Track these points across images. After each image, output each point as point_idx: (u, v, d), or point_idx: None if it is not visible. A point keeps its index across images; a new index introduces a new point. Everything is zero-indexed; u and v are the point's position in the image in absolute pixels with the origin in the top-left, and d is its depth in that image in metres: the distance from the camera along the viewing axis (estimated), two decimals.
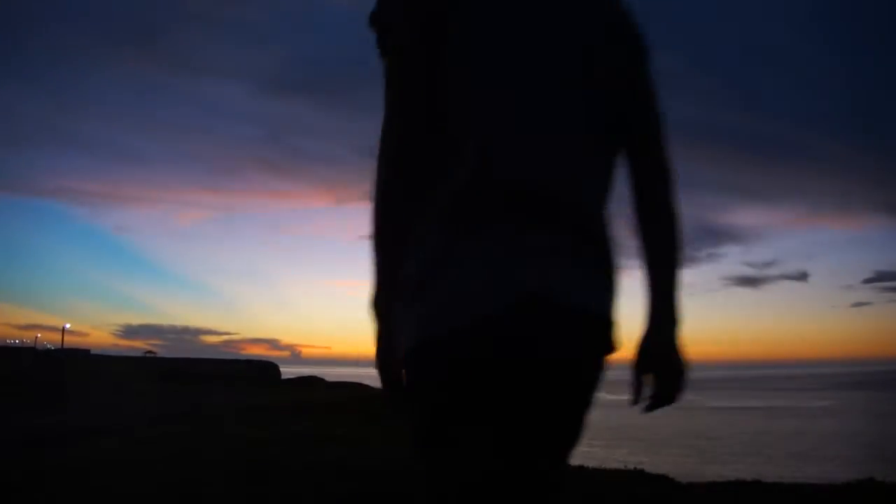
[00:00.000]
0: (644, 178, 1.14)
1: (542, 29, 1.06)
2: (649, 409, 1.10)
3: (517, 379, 0.99)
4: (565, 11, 1.09)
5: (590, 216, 1.06)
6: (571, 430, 1.07)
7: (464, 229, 0.99)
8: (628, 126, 1.13)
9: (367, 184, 1.07)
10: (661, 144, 1.15)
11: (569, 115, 1.06)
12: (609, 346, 1.07)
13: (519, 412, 1.02)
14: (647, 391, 1.09)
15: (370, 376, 1.72)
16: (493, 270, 0.97)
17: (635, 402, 1.09)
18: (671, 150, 1.14)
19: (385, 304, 1.04)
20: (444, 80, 1.03)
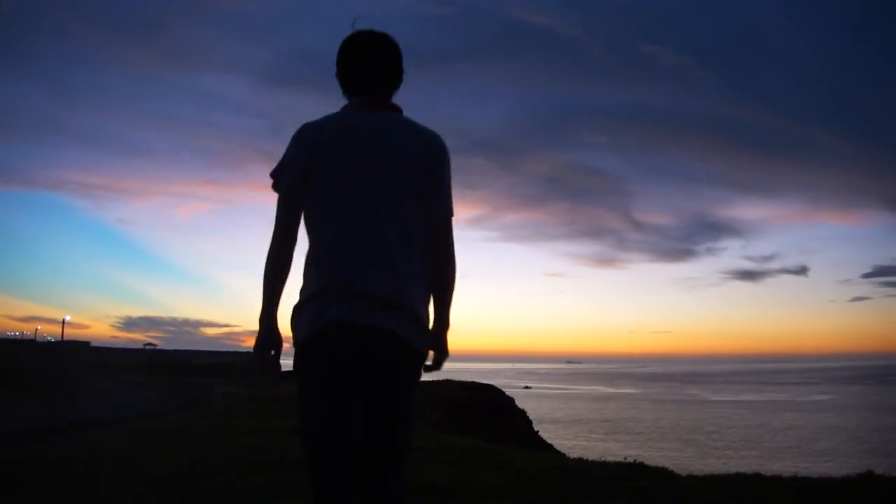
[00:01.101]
0: (438, 265, 1.94)
1: (369, 175, 1.82)
2: (427, 370, 1.97)
3: (339, 365, 1.78)
4: (386, 157, 1.83)
5: (397, 296, 1.79)
6: (391, 408, 1.84)
7: (309, 294, 1.83)
8: (432, 237, 1.90)
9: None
10: (451, 242, 1.95)
11: (383, 232, 1.80)
12: (399, 353, 1.81)
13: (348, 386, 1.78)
14: (429, 363, 1.97)
15: None
16: (316, 312, 1.80)
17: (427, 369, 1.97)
18: (454, 247, 1.96)
19: (266, 317, 1.86)
20: (308, 211, 1.87)
